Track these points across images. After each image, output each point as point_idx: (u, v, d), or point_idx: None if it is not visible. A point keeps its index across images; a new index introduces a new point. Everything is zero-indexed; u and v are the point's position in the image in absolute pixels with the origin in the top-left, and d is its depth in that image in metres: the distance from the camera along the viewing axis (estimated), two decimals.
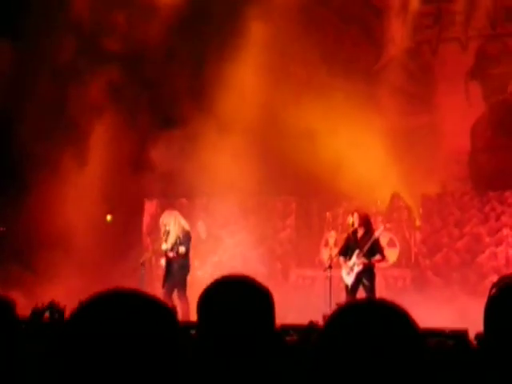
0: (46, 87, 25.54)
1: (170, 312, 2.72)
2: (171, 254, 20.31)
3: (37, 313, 14.49)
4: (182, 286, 19.94)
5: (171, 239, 20.38)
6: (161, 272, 20.77)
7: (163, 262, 20.55)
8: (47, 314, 15.40)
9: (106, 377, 2.54)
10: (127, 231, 25.38)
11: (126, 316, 2.65)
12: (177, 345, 2.68)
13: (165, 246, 20.36)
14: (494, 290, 4.32)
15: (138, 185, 24.84)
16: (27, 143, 24.33)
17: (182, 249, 20.30)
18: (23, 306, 18.25)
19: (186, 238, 20.43)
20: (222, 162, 23.92)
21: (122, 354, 2.57)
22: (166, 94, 25.28)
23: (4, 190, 24.21)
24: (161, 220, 21.14)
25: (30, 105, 25.46)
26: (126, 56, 25.76)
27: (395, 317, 2.81)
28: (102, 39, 25.98)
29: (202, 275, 20.95)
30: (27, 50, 25.37)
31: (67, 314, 17.01)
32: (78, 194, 24.32)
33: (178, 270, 20.30)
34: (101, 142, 25.42)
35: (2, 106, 24.82)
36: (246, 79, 24.86)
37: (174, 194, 24.71)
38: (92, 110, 25.85)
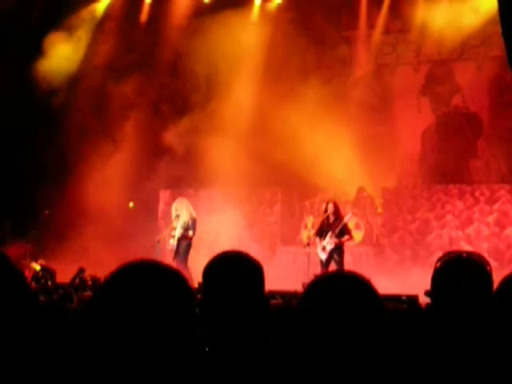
0: (90, 85, 25.73)
1: (182, 277, 2.71)
2: (180, 234, 20.69)
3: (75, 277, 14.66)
4: (185, 259, 20.23)
5: (181, 223, 20.62)
6: (169, 250, 20.94)
7: (172, 241, 20.84)
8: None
9: (134, 331, 2.54)
10: (146, 215, 25.25)
11: (151, 279, 2.65)
12: (190, 302, 2.69)
13: (178, 229, 20.71)
14: (438, 264, 4.44)
15: (154, 176, 25.03)
16: (70, 135, 24.41)
17: (190, 232, 20.51)
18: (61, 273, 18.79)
19: (193, 224, 20.60)
20: (222, 159, 24.00)
21: (149, 307, 2.57)
22: (178, 104, 25.40)
23: (48, 175, 24.07)
24: (173, 206, 21.09)
25: (74, 99, 25.57)
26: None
27: (360, 285, 2.82)
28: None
29: (205, 251, 20.90)
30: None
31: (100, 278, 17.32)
32: (109, 181, 24.18)
33: (184, 247, 20.61)
34: (126, 140, 25.49)
35: (50, 102, 24.92)
36: (241, 90, 24.90)
37: (183, 185, 24.72)
38: (124, 107, 25.81)
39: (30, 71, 24.61)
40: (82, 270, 17.94)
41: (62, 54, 25.47)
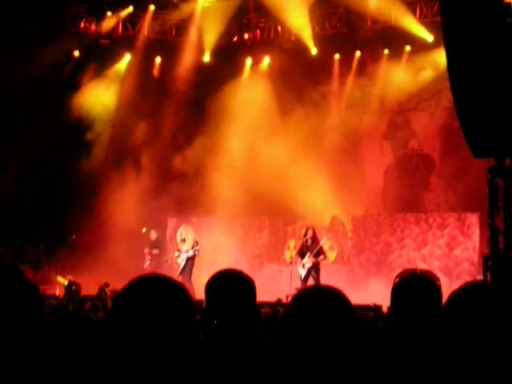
0: (118, 122, 25.69)
1: (185, 289, 2.72)
2: (185, 256, 20.67)
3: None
4: (189, 276, 20.18)
5: (186, 245, 20.64)
6: (176, 268, 20.89)
7: (179, 260, 20.79)
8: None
9: (146, 333, 2.55)
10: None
11: (159, 290, 2.67)
12: (191, 310, 2.70)
13: (184, 249, 20.66)
14: (397, 279, 4.44)
15: (163, 206, 24.88)
16: (96, 165, 24.49)
17: (192, 253, 20.54)
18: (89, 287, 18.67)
19: (195, 246, 20.68)
20: (220, 192, 24.00)
21: (158, 314, 2.59)
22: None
23: (78, 200, 23.86)
24: (179, 231, 21.23)
25: (105, 134, 25.42)
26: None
27: (334, 296, 2.88)
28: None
29: (206, 270, 20.90)
30: None
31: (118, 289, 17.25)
32: (128, 208, 24.07)
33: (188, 265, 20.54)
34: (142, 174, 25.41)
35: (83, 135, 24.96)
36: (236, 133, 25.03)
37: (187, 214, 24.64)
38: (140, 143, 25.83)
39: (66, 107, 24.53)
40: (106, 285, 17.91)
41: (96, 98, 25.50)
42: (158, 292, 2.67)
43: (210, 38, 26.24)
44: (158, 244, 22.51)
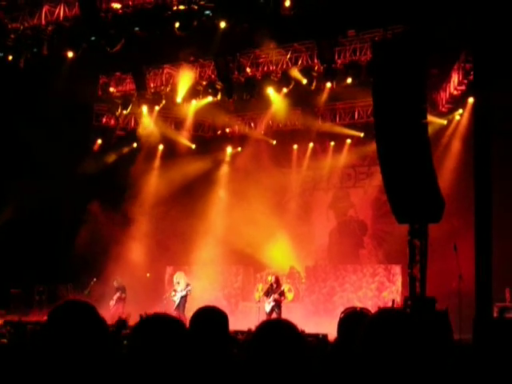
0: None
1: (182, 323, 2.83)
2: (180, 295, 20.50)
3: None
4: (183, 310, 19.93)
5: (181, 287, 20.48)
6: (172, 303, 20.55)
7: (175, 298, 20.63)
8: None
9: (153, 354, 2.64)
10: (157, 282, 25.12)
11: (164, 325, 2.74)
12: (185, 338, 2.77)
13: (179, 290, 20.47)
14: (342, 315, 4.46)
15: (162, 257, 24.78)
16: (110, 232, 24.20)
17: (184, 292, 20.36)
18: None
19: (187, 287, 20.52)
20: (205, 248, 24.10)
21: (162, 341, 2.66)
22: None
23: (103, 250, 23.23)
24: (175, 276, 21.19)
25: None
26: None
27: (290, 327, 2.90)
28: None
29: (195, 304, 20.70)
30: None
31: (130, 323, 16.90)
32: (135, 260, 24.11)
33: (182, 302, 20.37)
34: (144, 236, 25.40)
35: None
36: (217, 203, 25.23)
37: (181, 264, 24.34)
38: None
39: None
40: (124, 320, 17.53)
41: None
42: (162, 325, 2.78)
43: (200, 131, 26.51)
44: (122, 288, 21.93)
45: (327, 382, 3.85)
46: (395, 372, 2.52)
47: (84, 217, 24.39)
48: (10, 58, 19.33)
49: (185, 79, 22.20)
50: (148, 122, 25.13)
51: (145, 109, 24.43)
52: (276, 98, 22.65)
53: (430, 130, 15.35)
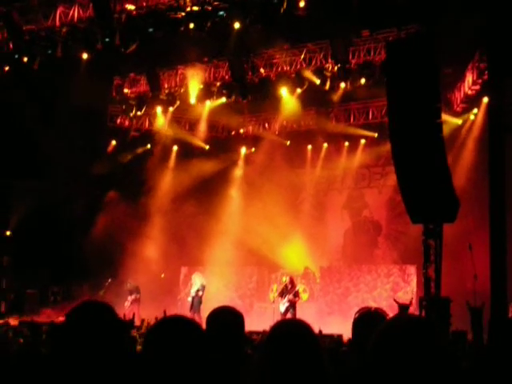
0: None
1: (198, 325, 2.79)
2: (194, 294, 20.57)
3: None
4: (199, 311, 20.01)
5: (196, 287, 20.59)
6: (188, 304, 20.69)
7: (189, 299, 20.68)
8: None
9: (168, 355, 2.63)
10: (172, 282, 25.16)
11: (179, 327, 2.72)
12: (202, 340, 2.73)
13: (193, 291, 20.59)
14: (356, 315, 4.39)
15: (177, 257, 24.72)
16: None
17: (200, 293, 20.46)
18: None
19: (203, 288, 20.60)
20: (221, 248, 24.08)
21: (178, 342, 2.64)
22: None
23: (118, 251, 23.33)
24: (192, 277, 21.42)
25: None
26: None
27: (305, 328, 2.89)
28: None
29: (210, 305, 20.74)
30: None
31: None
32: (150, 260, 24.17)
33: (197, 302, 20.47)
34: (159, 236, 25.48)
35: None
36: (232, 203, 25.28)
37: (196, 264, 24.29)
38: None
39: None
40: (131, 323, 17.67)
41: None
42: (178, 326, 2.75)
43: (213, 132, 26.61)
44: (135, 290, 22.05)
45: (342, 382, 3.83)
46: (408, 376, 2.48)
47: (100, 205, 24.60)
48: (26, 59, 19.40)
49: (195, 80, 22.25)
50: (162, 122, 25.23)
51: (159, 110, 24.49)
52: (290, 99, 22.64)
53: (445, 129, 15.25)
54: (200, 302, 20.39)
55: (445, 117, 16.74)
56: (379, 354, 2.42)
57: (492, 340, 11.87)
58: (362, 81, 20.06)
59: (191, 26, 17.21)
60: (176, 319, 2.81)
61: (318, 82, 20.60)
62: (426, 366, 2.38)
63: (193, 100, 22.79)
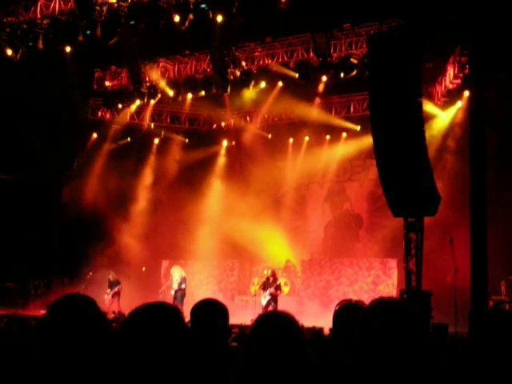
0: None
1: (181, 313, 2.76)
2: (177, 287, 20.57)
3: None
4: (182, 303, 19.89)
5: (177, 280, 20.59)
6: (170, 297, 20.57)
7: (172, 292, 20.65)
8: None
9: (147, 342, 2.59)
10: (153, 275, 25.04)
11: (161, 313, 2.72)
12: (184, 328, 2.73)
13: (175, 284, 20.58)
14: (337, 307, 4.45)
15: (159, 250, 24.76)
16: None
17: (183, 286, 20.47)
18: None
19: (184, 281, 20.58)
20: (202, 242, 24.16)
21: (157, 329, 2.63)
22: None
23: (95, 249, 23.16)
24: (171, 270, 21.32)
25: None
26: None
27: (288, 319, 2.87)
28: None
29: (191, 299, 20.73)
30: None
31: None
32: (132, 251, 24.20)
33: (180, 295, 20.46)
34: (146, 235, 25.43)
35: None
36: (215, 195, 25.22)
37: (177, 257, 24.37)
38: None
39: None
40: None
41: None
42: (158, 311, 2.73)
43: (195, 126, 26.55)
44: (116, 282, 21.95)
45: (324, 374, 3.85)
46: (392, 364, 2.51)
47: (81, 197, 24.51)
48: (10, 52, 19.18)
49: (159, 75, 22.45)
50: (143, 115, 25.16)
51: (140, 103, 24.38)
52: (272, 92, 22.63)
53: (425, 123, 15.30)
54: (183, 295, 20.37)
55: (425, 110, 16.76)
56: (364, 337, 2.45)
57: (472, 333, 11.94)
58: (343, 74, 20.08)
59: (175, 19, 17.13)
60: (156, 306, 2.79)
61: (299, 75, 20.60)
62: (407, 347, 2.44)
63: (173, 93, 22.72)
